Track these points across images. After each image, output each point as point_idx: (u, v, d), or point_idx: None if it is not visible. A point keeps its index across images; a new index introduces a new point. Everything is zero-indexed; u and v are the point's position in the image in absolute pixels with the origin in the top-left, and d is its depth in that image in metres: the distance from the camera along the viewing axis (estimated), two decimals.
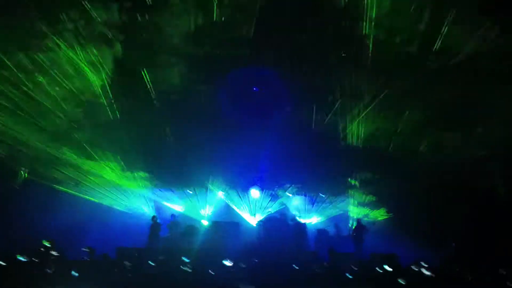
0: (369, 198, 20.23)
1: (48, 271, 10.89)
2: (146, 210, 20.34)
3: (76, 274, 10.65)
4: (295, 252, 17.43)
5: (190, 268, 12.93)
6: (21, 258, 12.40)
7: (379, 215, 19.95)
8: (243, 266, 13.24)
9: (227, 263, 13.12)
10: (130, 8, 14.90)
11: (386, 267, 12.94)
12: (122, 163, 19.46)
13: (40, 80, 16.11)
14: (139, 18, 15.11)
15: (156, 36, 15.68)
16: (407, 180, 18.11)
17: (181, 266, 13.29)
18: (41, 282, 9.39)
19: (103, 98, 17.12)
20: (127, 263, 12.42)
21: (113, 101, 17.39)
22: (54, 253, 13.79)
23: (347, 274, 12.58)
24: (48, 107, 16.93)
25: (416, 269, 12.76)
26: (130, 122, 18.00)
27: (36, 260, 12.43)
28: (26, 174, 18.08)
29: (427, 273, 11.62)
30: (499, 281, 10.35)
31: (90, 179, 19.39)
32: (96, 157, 19.05)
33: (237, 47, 16.00)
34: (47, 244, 14.35)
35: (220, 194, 21.38)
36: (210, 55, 16.22)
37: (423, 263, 12.52)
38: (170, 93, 17.49)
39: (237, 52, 16.08)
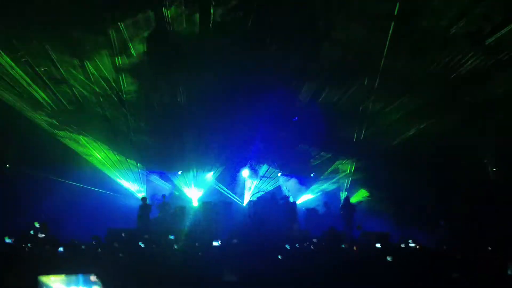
0: (359, 177, 20.27)
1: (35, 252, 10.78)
2: (138, 192, 20.21)
3: (61, 249, 10.55)
4: (285, 231, 17.51)
5: (177, 246, 12.89)
6: (9, 241, 12.25)
7: (369, 194, 20.02)
8: (235, 241, 13.20)
9: (215, 243, 13.06)
10: None
11: (378, 245, 12.97)
12: (112, 146, 19.27)
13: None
14: None
15: None
16: (398, 161, 18.15)
17: (174, 246, 13.25)
18: (31, 263, 9.27)
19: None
20: (115, 244, 12.33)
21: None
22: (41, 235, 13.69)
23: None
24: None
25: (404, 246, 12.82)
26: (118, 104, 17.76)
27: (25, 244, 12.28)
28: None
29: (412, 244, 11.63)
30: (489, 261, 10.40)
31: (80, 163, 19.19)
32: (85, 141, 18.84)
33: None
34: (37, 226, 14.24)
35: (211, 175, 21.32)
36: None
37: (410, 241, 12.51)
38: (158, 75, 17.14)
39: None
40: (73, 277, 6.29)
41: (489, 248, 11.49)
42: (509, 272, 7.95)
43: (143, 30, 14.71)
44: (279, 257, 11.43)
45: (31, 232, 14.34)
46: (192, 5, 14.25)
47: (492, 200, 15.56)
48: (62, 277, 6.29)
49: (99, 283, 6.31)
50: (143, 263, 10.62)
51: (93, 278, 6.32)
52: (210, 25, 14.97)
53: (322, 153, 20.35)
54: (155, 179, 21.16)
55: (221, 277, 8.60)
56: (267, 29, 15.18)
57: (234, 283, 8.56)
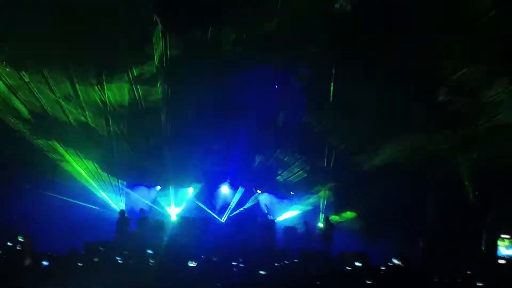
0: (338, 197, 20.49)
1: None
2: (116, 205, 19.98)
3: (47, 263, 10.38)
4: (263, 249, 17.54)
5: (154, 261, 12.78)
6: None
7: (348, 213, 20.24)
8: (214, 259, 13.16)
9: (192, 264, 13.01)
10: None
11: (357, 263, 13.10)
12: (91, 157, 19.09)
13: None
14: None
15: None
16: (375, 180, 18.44)
17: (150, 261, 13.13)
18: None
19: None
20: (95, 259, 12.18)
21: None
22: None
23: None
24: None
25: (384, 268, 12.93)
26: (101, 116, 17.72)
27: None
28: None
29: (397, 262, 11.76)
30: (466, 281, 10.64)
31: (59, 175, 18.92)
32: (62, 150, 18.63)
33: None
34: (21, 239, 13.87)
35: (190, 191, 21.26)
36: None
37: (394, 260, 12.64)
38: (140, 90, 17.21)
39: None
40: None
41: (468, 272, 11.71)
42: None
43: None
44: (261, 272, 11.48)
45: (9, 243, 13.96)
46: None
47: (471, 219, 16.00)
48: None
49: None
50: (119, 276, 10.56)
51: None
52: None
53: (299, 172, 20.54)
54: (134, 193, 20.97)
55: None
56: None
57: None
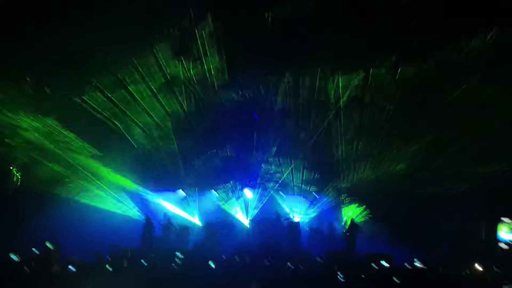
0: (362, 199, 20.33)
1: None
2: (140, 211, 20.16)
3: (74, 269, 10.58)
4: (288, 251, 17.49)
5: (181, 265, 12.90)
6: (14, 257, 12.25)
7: (372, 215, 20.03)
8: (237, 260, 13.22)
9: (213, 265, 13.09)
10: None
11: (384, 262, 13.00)
12: (115, 165, 19.30)
13: None
14: None
15: None
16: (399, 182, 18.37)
17: (173, 264, 13.26)
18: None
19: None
20: (124, 263, 12.35)
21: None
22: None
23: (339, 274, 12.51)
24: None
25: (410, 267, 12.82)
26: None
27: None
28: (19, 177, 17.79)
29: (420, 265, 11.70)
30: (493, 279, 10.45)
31: (84, 182, 19.20)
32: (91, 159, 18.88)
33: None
34: (50, 246, 14.13)
35: (214, 195, 21.30)
36: None
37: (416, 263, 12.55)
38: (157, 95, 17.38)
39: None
40: None
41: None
42: None
43: None
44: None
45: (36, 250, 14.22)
46: None
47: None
48: None
49: None
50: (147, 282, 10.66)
51: None
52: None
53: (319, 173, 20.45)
54: (158, 198, 21.13)
55: None
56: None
57: None
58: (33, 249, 14.29)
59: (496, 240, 16.24)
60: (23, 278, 10.17)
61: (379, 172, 18.89)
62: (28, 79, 15.61)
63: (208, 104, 17.80)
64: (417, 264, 11.22)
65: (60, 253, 14.03)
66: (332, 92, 16.88)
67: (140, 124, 17.98)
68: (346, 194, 20.37)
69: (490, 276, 11.13)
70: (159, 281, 11.80)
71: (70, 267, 10.53)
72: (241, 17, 14.56)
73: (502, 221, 16.21)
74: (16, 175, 17.79)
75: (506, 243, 15.99)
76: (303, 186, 20.97)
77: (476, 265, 13.93)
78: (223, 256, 14.83)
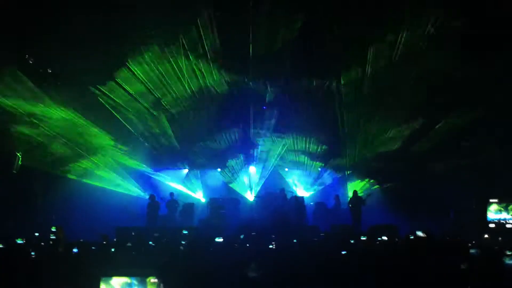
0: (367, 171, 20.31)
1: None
2: (145, 190, 20.25)
3: (76, 250, 10.61)
4: (294, 226, 17.51)
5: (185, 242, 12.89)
6: (20, 242, 12.28)
7: (376, 186, 20.03)
8: (241, 237, 13.19)
9: (219, 239, 13.07)
10: None
11: (384, 237, 12.96)
12: (120, 145, 19.30)
13: None
14: None
15: None
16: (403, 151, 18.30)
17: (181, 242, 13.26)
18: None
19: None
20: (128, 244, 12.37)
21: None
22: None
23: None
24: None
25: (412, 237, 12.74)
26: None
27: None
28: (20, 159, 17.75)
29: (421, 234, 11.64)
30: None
31: (87, 162, 19.21)
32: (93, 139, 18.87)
33: None
34: (54, 230, 14.18)
35: (218, 172, 21.34)
36: None
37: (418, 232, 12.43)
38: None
39: None
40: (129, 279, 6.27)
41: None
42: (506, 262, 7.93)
43: None
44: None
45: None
46: None
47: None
48: (123, 279, 6.30)
49: (159, 284, 6.27)
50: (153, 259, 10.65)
51: (153, 280, 6.32)
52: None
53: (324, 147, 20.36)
54: (163, 177, 21.20)
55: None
56: None
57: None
58: (37, 233, 14.30)
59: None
60: (29, 260, 10.21)
61: (383, 146, 18.86)
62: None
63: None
64: (419, 233, 11.14)
65: (65, 234, 14.08)
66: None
67: (145, 104, 18.02)
68: (350, 169, 20.39)
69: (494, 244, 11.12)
70: (166, 259, 11.81)
71: (74, 250, 10.54)
72: None
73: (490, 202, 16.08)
74: (19, 156, 17.73)
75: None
76: (307, 160, 20.97)
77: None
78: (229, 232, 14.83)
